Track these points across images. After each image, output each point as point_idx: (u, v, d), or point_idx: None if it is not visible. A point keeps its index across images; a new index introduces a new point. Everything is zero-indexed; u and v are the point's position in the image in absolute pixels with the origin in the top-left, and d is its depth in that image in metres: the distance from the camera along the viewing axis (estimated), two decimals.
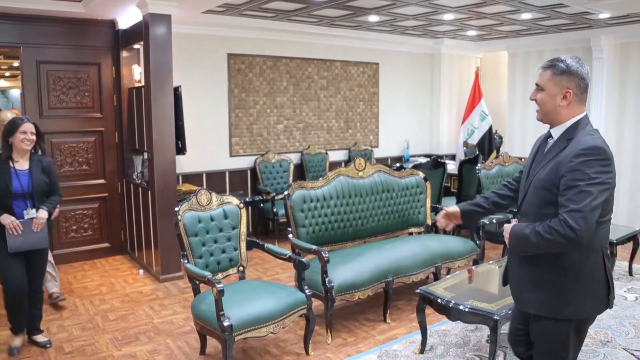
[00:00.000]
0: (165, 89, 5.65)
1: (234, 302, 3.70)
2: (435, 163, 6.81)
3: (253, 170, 7.73)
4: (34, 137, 4.02)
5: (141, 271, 6.16)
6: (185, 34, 6.88)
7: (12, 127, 3.95)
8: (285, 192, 4.73)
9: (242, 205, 4.35)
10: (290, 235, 4.69)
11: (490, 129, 9.32)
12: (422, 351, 4.11)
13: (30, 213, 4.03)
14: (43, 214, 4.06)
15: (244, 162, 7.71)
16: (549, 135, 2.46)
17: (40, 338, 4.30)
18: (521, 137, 9.13)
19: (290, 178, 7.86)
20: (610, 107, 7.92)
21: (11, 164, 3.99)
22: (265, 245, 4.36)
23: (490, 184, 6.44)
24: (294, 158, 8.10)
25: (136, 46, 6.33)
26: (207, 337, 4.00)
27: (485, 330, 4.39)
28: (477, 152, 8.59)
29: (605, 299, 2.42)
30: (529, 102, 8.65)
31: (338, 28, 7.95)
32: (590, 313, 2.43)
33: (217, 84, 7.35)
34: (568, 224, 2.16)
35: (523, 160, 7.12)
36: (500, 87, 9.95)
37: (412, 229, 5.59)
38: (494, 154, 9.24)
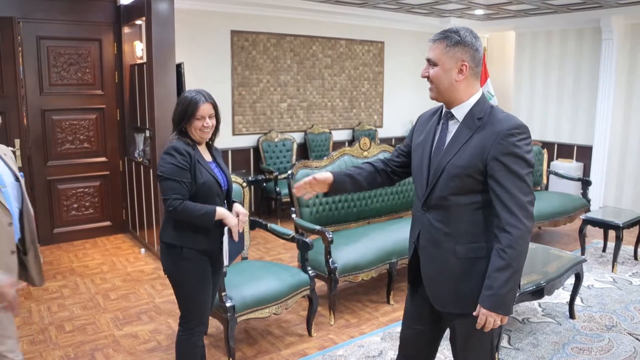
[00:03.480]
0: (167, 66, 5.55)
1: (236, 282, 3.66)
2: None
3: (256, 149, 7.66)
4: (213, 122, 2.95)
5: (143, 250, 6.12)
6: (188, 10, 6.76)
7: (187, 109, 2.86)
8: (289, 172, 4.66)
9: (245, 184, 4.29)
10: (293, 215, 4.63)
11: None
12: None
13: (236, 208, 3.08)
14: (241, 207, 3.08)
15: (246, 141, 7.64)
16: (449, 117, 2.23)
17: None
18: (527, 119, 9.00)
19: (294, 157, 7.79)
20: (618, 90, 7.78)
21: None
22: (269, 225, 4.31)
23: None
24: (297, 137, 8.02)
25: (138, 22, 6.23)
26: (209, 317, 3.96)
27: None
28: None
29: None
30: (536, 82, 8.70)
31: (343, 5, 7.82)
32: None
33: (220, 61, 7.25)
34: (526, 214, 2.06)
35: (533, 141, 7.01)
36: (506, 68, 9.83)
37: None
38: None
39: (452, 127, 2.21)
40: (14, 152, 5.73)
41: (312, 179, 2.46)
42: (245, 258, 4.27)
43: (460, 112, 2.18)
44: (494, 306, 2.10)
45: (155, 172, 5.64)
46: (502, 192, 2.07)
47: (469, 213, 2.15)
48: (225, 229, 2.87)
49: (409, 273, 2.44)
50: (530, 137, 2.11)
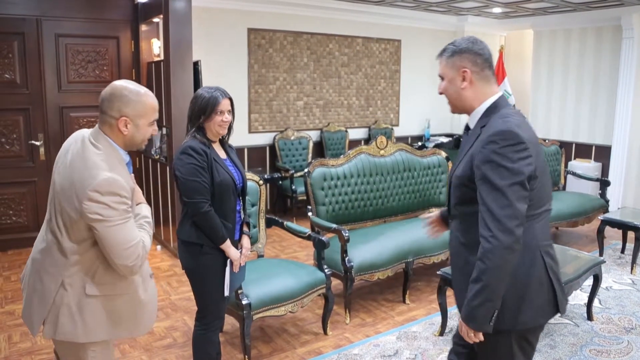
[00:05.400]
0: (184, 64, 5.57)
1: (252, 280, 3.66)
2: (457, 142, 6.70)
3: (272, 147, 7.66)
4: (230, 118, 3.00)
5: (159, 247, 6.15)
6: (205, 8, 6.78)
7: (208, 105, 2.89)
8: (306, 170, 4.66)
9: (261, 182, 4.29)
10: (310, 214, 4.63)
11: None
12: (441, 333, 4.06)
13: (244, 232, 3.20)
14: (247, 242, 3.19)
15: (262, 139, 7.65)
16: (467, 127, 2.23)
17: None
18: (545, 118, 8.92)
19: (309, 155, 7.78)
20: (638, 89, 7.65)
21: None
22: (285, 223, 4.31)
23: None
24: (314, 135, 8.01)
25: (155, 20, 6.25)
26: (225, 315, 3.97)
27: None
28: None
29: (552, 303, 2.11)
30: (554, 81, 8.61)
31: (360, 3, 7.80)
32: (530, 321, 2.09)
33: (237, 59, 7.26)
34: (501, 228, 1.91)
35: (547, 141, 6.97)
36: (524, 67, 9.74)
37: (433, 209, 5.49)
38: None
39: (468, 138, 2.21)
40: (38, 147, 5.88)
41: (434, 222, 2.73)
42: (262, 256, 4.27)
43: (472, 121, 2.18)
44: (466, 317, 2.04)
45: (172, 170, 5.66)
46: (480, 203, 2.00)
47: (476, 224, 2.02)
48: (228, 260, 2.96)
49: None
50: (515, 142, 1.95)
